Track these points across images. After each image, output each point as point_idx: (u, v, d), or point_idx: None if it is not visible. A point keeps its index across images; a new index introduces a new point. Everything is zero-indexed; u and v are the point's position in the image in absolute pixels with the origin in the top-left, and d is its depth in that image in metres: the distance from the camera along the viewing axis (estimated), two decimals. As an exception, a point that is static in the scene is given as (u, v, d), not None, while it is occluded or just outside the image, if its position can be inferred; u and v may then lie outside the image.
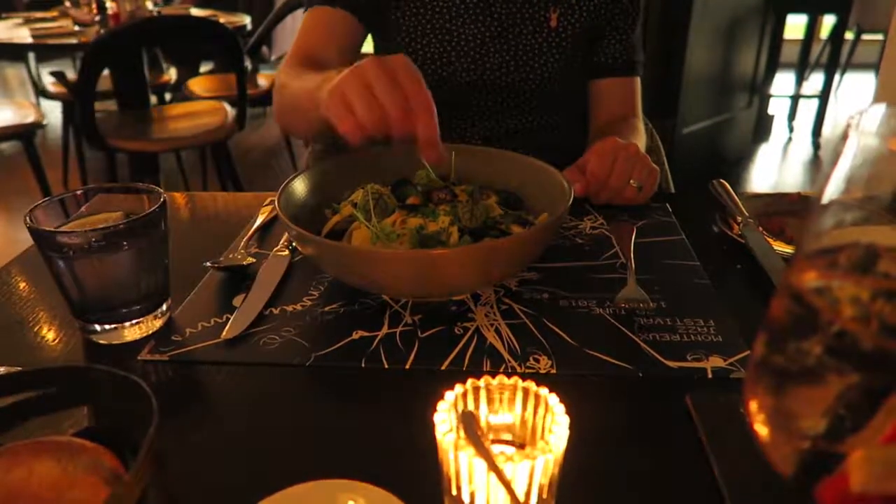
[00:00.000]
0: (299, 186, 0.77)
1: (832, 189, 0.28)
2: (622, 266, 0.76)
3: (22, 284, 0.76)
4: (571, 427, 0.39)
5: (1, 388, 0.44)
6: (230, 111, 2.72)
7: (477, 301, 0.70)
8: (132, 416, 0.42)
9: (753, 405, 0.32)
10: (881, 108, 0.29)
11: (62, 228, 0.63)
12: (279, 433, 0.54)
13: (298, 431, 0.54)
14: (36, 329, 0.68)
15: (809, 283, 0.29)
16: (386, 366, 0.61)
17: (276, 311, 0.69)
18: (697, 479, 0.48)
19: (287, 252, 0.79)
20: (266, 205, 0.92)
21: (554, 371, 0.60)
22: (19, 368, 0.60)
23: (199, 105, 2.89)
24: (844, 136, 0.27)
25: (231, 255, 0.79)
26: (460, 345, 0.63)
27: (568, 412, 0.40)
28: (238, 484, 0.48)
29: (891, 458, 0.25)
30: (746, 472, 0.47)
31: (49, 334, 0.67)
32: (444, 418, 0.39)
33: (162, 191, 0.65)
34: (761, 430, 0.32)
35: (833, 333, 0.27)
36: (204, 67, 4.22)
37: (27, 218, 0.60)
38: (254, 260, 0.77)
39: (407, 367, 0.61)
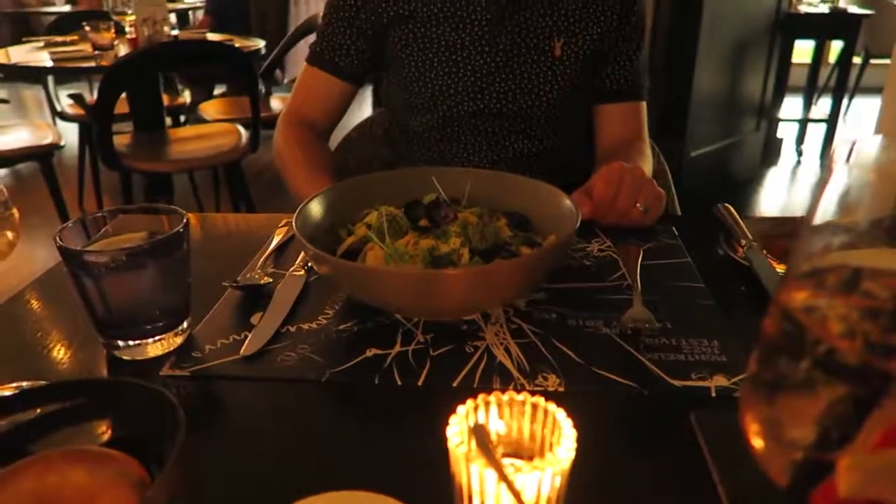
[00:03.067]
0: (315, 208, 0.80)
1: (820, 215, 0.30)
2: (628, 287, 0.78)
3: (45, 303, 0.79)
4: (578, 441, 0.41)
5: (34, 400, 0.46)
6: (244, 133, 2.76)
7: (487, 320, 0.72)
8: (158, 427, 0.44)
9: (749, 418, 0.34)
10: (865, 140, 0.31)
11: (90, 248, 0.66)
12: (295, 446, 0.56)
13: (314, 445, 0.56)
14: (60, 346, 0.70)
15: (799, 302, 0.31)
16: (399, 382, 0.63)
17: (292, 329, 0.71)
18: (701, 495, 0.49)
19: (303, 272, 0.82)
20: (282, 226, 0.95)
21: (562, 389, 0.61)
22: (44, 383, 0.62)
23: (213, 127, 2.94)
24: (829, 167, 0.29)
25: (249, 275, 0.81)
26: (471, 363, 0.65)
27: (575, 427, 0.41)
28: (256, 496, 0.50)
29: (874, 465, 0.27)
30: (749, 489, 0.48)
31: (73, 350, 0.69)
32: (457, 431, 0.41)
33: (184, 212, 0.67)
34: (757, 442, 0.33)
35: (821, 349, 0.29)
36: (218, 90, 4.29)
37: (57, 237, 0.62)
38: (270, 279, 0.80)
39: (419, 383, 0.63)
